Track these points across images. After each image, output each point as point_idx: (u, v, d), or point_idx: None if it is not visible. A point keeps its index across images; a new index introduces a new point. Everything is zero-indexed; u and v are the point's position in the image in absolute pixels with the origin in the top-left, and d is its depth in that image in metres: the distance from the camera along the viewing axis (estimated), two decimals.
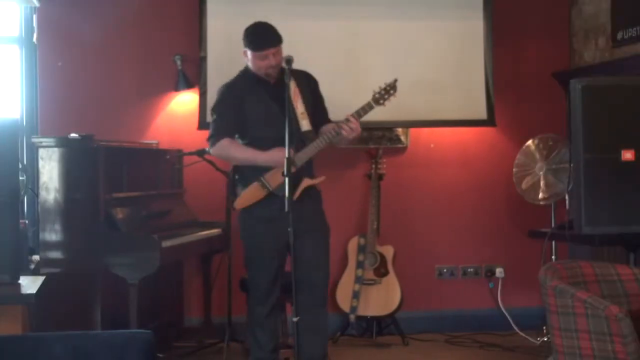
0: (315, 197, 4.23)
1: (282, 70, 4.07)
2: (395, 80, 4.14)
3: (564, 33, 5.84)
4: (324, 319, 4.23)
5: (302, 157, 4.07)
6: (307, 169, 4.15)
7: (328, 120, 4.32)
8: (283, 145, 3.70)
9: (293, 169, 3.76)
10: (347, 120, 4.03)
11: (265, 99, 4.08)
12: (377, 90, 4.14)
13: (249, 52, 4.12)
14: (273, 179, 4.07)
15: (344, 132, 4.03)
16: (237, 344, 4.96)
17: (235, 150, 4.18)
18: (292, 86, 4.09)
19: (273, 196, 4.06)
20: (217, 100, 4.24)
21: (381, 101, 4.13)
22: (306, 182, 4.10)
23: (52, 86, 5.36)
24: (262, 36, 4.11)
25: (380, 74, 5.22)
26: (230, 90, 4.21)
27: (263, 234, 4.15)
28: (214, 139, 4.19)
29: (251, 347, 4.27)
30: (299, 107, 4.12)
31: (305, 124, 4.10)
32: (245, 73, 4.20)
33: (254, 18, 5.26)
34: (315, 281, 4.14)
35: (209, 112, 5.28)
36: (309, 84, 4.27)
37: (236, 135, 4.21)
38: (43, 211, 4.57)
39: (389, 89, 4.13)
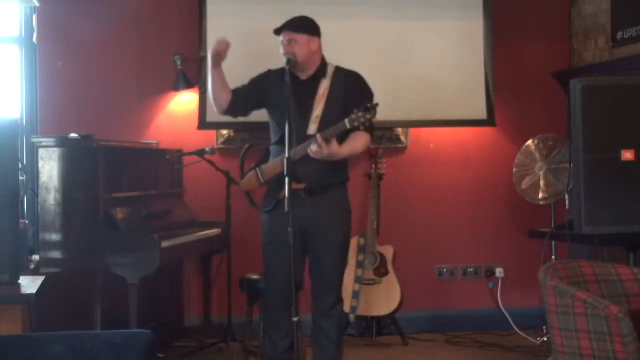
0: (326, 200, 4.05)
1: (320, 66, 4.05)
2: (376, 105, 3.79)
3: (564, 33, 5.84)
4: (327, 329, 4.11)
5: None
6: (300, 173, 3.84)
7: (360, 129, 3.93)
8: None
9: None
10: (315, 139, 3.82)
11: (284, 94, 3.89)
12: (357, 111, 3.80)
13: None
14: (267, 172, 4.06)
15: (309, 152, 3.85)
16: (237, 344, 4.96)
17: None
18: (324, 87, 4.02)
19: (270, 190, 4.06)
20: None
21: (356, 123, 3.78)
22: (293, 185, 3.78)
23: (52, 86, 5.35)
24: (285, 22, 4.04)
25: (380, 74, 5.24)
26: (264, 75, 4.18)
27: (268, 234, 4.13)
28: None
29: (265, 345, 4.22)
30: (317, 110, 3.98)
31: (313, 128, 3.95)
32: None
33: (254, 18, 5.31)
34: (315, 290, 4.13)
35: (209, 112, 5.31)
36: (348, 87, 4.05)
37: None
38: (43, 211, 4.56)
39: (367, 114, 3.76)
